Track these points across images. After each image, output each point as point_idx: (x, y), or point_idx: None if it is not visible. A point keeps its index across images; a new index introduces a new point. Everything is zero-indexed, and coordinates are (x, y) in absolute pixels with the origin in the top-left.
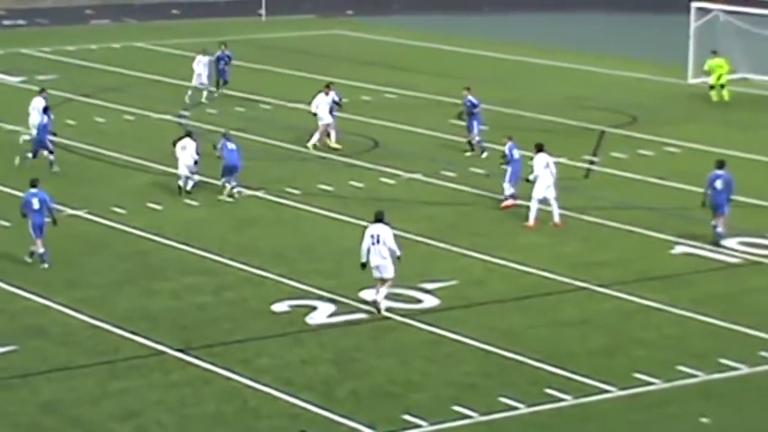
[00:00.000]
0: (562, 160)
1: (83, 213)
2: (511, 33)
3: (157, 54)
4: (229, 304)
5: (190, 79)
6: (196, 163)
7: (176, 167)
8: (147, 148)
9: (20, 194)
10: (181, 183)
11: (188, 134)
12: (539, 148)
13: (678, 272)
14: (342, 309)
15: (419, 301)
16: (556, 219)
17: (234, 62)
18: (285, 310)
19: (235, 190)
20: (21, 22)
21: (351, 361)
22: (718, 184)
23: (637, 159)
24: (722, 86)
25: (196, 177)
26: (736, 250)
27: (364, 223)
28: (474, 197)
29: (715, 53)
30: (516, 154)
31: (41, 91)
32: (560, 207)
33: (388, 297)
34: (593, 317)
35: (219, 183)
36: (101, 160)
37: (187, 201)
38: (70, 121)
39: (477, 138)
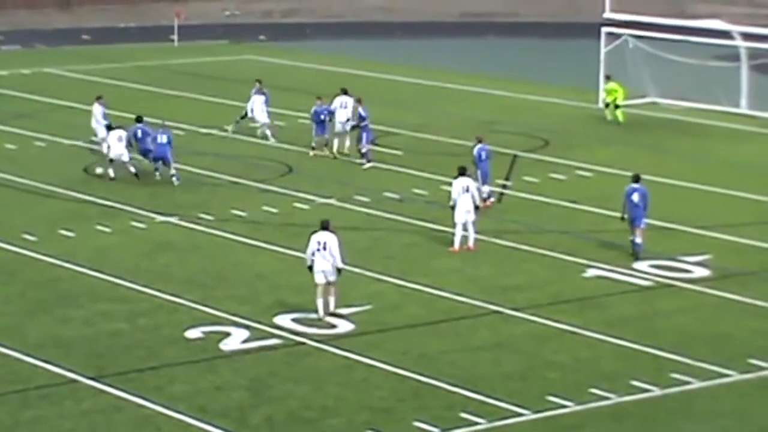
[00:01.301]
0: (475, 184)
1: None
2: (424, 58)
3: (68, 80)
4: (143, 331)
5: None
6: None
7: (89, 187)
8: (58, 175)
9: None
10: (133, 169)
11: (120, 127)
12: (461, 172)
13: (590, 295)
14: (256, 335)
15: (333, 326)
16: (470, 243)
17: (145, 88)
18: (199, 336)
19: (173, 178)
20: None
21: (265, 387)
22: (635, 197)
23: (549, 183)
24: (616, 107)
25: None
26: (647, 273)
27: (278, 249)
28: (388, 222)
29: (609, 78)
30: (484, 155)
31: (98, 98)
32: (476, 232)
33: (299, 321)
34: (507, 341)
35: (133, 209)
36: (11, 187)
37: (100, 227)
38: None
39: (364, 149)
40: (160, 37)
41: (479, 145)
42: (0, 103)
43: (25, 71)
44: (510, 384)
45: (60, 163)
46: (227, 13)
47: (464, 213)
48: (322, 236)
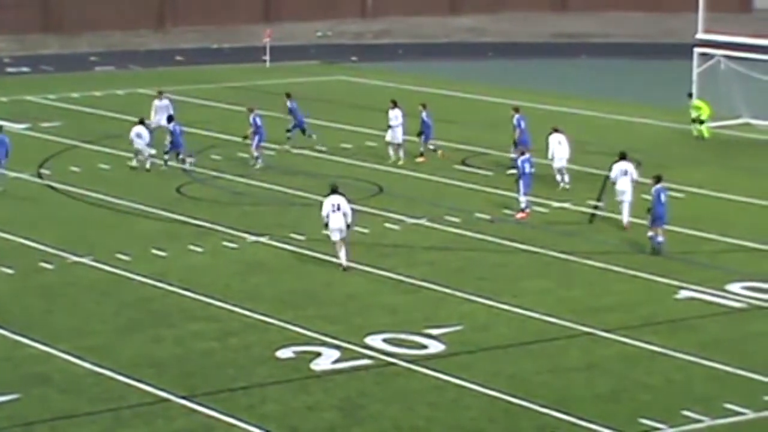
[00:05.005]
0: (566, 205)
1: (88, 260)
2: (515, 79)
3: None
4: (234, 351)
5: (190, 125)
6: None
7: (182, 207)
8: (151, 195)
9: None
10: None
11: (141, 122)
12: (621, 156)
13: (683, 317)
14: (347, 355)
15: (424, 346)
16: (625, 220)
17: (235, 108)
18: (290, 356)
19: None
20: (25, 69)
21: (356, 407)
22: (663, 197)
23: (641, 204)
24: (701, 122)
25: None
26: (740, 295)
27: (369, 269)
28: (478, 242)
29: (691, 96)
30: (527, 167)
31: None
32: (630, 214)
33: (390, 342)
34: (598, 362)
35: (224, 229)
36: (105, 207)
37: (192, 247)
38: (75, 168)
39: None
40: (253, 57)
41: (522, 157)
42: (94, 124)
43: (119, 92)
44: (601, 406)
45: (153, 184)
46: (319, 33)
47: (620, 194)
48: (335, 199)
